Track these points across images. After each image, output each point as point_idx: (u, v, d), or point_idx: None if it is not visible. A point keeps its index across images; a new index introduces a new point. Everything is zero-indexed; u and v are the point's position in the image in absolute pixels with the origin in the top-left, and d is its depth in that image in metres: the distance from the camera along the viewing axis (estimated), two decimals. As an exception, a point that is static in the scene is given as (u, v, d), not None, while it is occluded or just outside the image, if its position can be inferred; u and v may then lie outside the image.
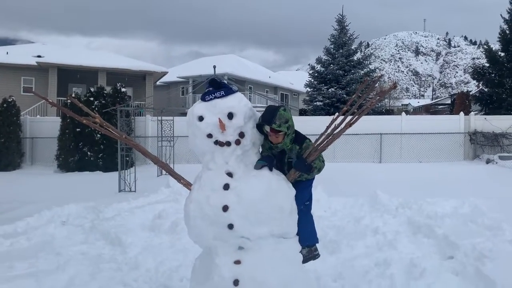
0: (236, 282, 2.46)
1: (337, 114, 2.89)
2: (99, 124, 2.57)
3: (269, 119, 2.70)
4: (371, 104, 2.64)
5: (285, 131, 2.73)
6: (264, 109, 2.80)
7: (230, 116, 2.57)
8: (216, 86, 2.60)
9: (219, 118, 2.52)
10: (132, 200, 8.17)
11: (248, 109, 2.68)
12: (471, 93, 33.25)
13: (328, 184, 8.56)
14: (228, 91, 2.59)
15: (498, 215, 6.06)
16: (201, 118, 2.57)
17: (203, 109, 2.58)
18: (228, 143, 2.60)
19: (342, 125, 2.73)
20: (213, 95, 2.57)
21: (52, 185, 11.91)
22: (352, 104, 2.81)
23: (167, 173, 2.83)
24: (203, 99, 2.60)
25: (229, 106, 2.57)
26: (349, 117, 2.70)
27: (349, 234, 5.62)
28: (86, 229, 6.20)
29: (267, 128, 2.74)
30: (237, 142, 2.62)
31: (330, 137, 2.75)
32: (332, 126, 2.76)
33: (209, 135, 2.57)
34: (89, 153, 15.20)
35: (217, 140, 2.59)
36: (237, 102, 2.62)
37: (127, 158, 11.01)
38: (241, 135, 2.63)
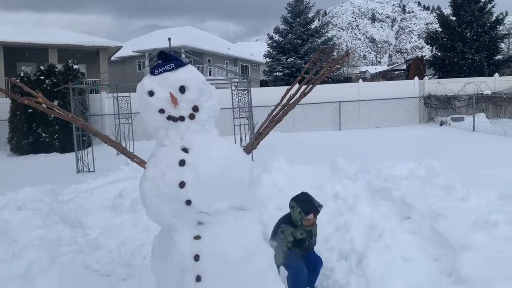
0: (196, 258, 2.44)
1: (292, 84, 2.87)
2: (43, 104, 2.42)
3: (314, 206, 3.45)
4: (324, 73, 2.62)
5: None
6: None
7: (182, 89, 2.48)
8: (165, 59, 2.49)
9: (170, 93, 2.43)
10: (91, 180, 7.96)
11: (201, 82, 2.59)
12: (425, 58, 34.15)
13: (290, 153, 8.65)
14: (179, 64, 2.49)
15: (452, 175, 6.33)
16: (151, 93, 2.47)
17: (153, 84, 2.47)
18: (181, 118, 2.51)
19: (297, 95, 2.71)
20: (162, 68, 2.46)
21: (5, 170, 11.43)
22: (307, 73, 2.79)
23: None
24: (152, 73, 2.49)
25: (181, 79, 2.47)
26: (303, 87, 2.68)
27: (311, 201, 5.71)
28: (43, 213, 5.99)
29: (310, 217, 3.36)
30: (191, 117, 2.54)
31: (286, 107, 2.73)
32: (288, 96, 2.73)
33: (161, 111, 2.48)
34: (43, 134, 14.62)
35: (170, 116, 2.49)
36: (189, 74, 2.52)
37: (84, 138, 10.65)
38: (195, 109, 2.55)
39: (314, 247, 3.64)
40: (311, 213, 3.41)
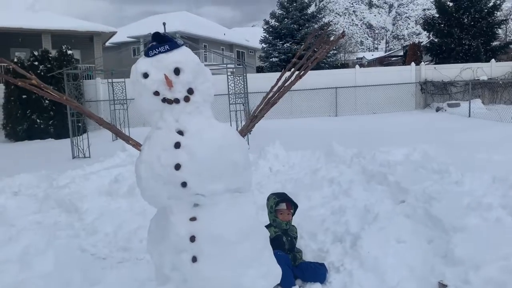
0: (192, 239, 2.46)
1: (287, 67, 2.86)
2: (36, 85, 2.41)
3: (289, 197, 3.61)
4: (319, 55, 2.61)
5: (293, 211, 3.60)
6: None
7: (177, 71, 2.46)
8: (160, 40, 2.47)
9: (165, 74, 2.42)
10: (86, 166, 7.94)
11: (196, 64, 2.57)
12: (422, 44, 34.05)
13: (286, 139, 8.67)
14: (173, 45, 2.47)
15: (446, 159, 6.37)
16: (145, 75, 2.45)
17: (148, 65, 2.45)
18: (176, 100, 2.51)
19: (292, 77, 2.70)
20: (157, 50, 2.44)
21: (0, 156, 11.39)
22: (301, 57, 2.78)
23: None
24: (147, 54, 2.47)
25: (175, 60, 2.45)
26: (297, 71, 2.68)
27: (306, 186, 5.76)
28: (39, 199, 6.00)
29: (283, 206, 3.49)
30: (186, 99, 2.53)
31: (281, 89, 2.72)
32: (283, 79, 2.73)
33: (156, 93, 2.46)
34: (38, 120, 14.56)
35: (165, 98, 2.48)
36: (184, 56, 2.50)
37: (79, 124, 10.61)
38: (190, 91, 2.54)
39: (305, 258, 3.57)
40: (284, 203, 3.56)
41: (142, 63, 2.49)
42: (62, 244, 4.03)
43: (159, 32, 2.55)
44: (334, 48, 29.18)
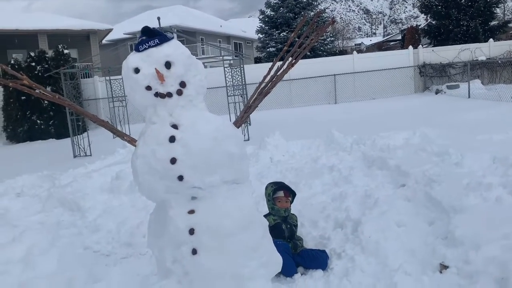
0: (191, 231, 2.47)
1: (278, 55, 2.84)
2: (28, 86, 2.41)
3: (286, 185, 3.62)
4: (311, 42, 2.60)
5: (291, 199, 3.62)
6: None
7: (168, 65, 2.46)
8: (149, 35, 2.46)
9: (155, 69, 2.41)
10: (88, 164, 7.97)
11: (187, 56, 2.56)
12: (420, 27, 33.79)
13: (286, 129, 8.67)
14: (163, 39, 2.46)
15: (446, 141, 6.35)
16: (137, 70, 2.45)
17: (138, 60, 2.45)
18: (169, 94, 2.50)
19: (285, 66, 2.69)
20: (147, 44, 2.44)
21: (2, 158, 11.45)
22: (293, 44, 2.77)
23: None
24: (137, 49, 2.47)
25: (166, 54, 2.45)
26: (290, 58, 2.67)
27: (307, 174, 5.76)
28: (42, 199, 6.01)
29: (280, 193, 3.51)
30: (179, 93, 2.53)
31: (274, 79, 2.72)
32: (275, 68, 2.72)
33: (148, 88, 2.46)
34: (38, 121, 14.58)
35: (157, 92, 2.48)
36: (174, 49, 2.50)
37: (79, 123, 10.61)
38: (183, 84, 2.53)
39: (306, 246, 3.57)
40: (282, 191, 3.58)
41: (133, 58, 2.48)
42: (65, 243, 4.05)
43: (149, 26, 2.54)
44: (331, 35, 29.03)
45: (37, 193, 6.34)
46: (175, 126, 2.53)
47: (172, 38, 2.53)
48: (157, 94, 2.49)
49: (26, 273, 3.24)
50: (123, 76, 2.56)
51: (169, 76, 2.48)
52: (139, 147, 2.57)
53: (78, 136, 10.41)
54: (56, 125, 14.64)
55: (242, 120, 2.75)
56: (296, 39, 2.82)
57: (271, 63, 2.77)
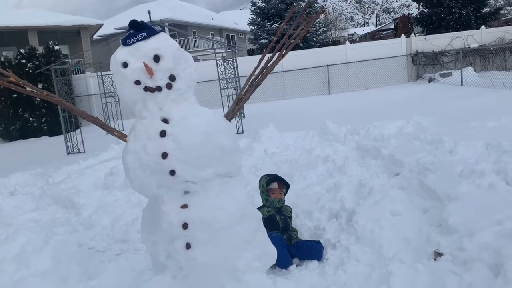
0: (185, 226, 2.46)
1: (268, 47, 2.82)
2: (15, 83, 2.37)
3: (279, 177, 3.68)
4: (301, 32, 2.58)
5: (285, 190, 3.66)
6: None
7: (156, 58, 2.43)
8: (137, 28, 2.43)
9: (144, 62, 2.38)
10: (82, 161, 7.92)
11: (176, 49, 2.53)
12: (412, 15, 33.72)
13: (280, 121, 8.65)
14: (151, 32, 2.43)
15: (439, 130, 6.36)
16: (125, 65, 2.42)
17: (126, 54, 2.42)
18: (159, 88, 2.47)
19: (275, 57, 2.67)
20: (134, 38, 2.41)
21: (-5, 157, 11.35)
22: (283, 35, 2.74)
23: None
24: (125, 43, 2.44)
25: (154, 48, 2.42)
26: (280, 49, 2.64)
27: (301, 165, 5.75)
28: (36, 196, 5.97)
29: (274, 185, 3.53)
30: (169, 86, 2.50)
31: (264, 70, 2.69)
32: (265, 60, 2.69)
33: (137, 82, 2.43)
34: (31, 119, 14.47)
35: (146, 87, 2.45)
36: (162, 43, 2.47)
37: (71, 120, 10.54)
38: (172, 78, 2.51)
39: (301, 237, 3.57)
40: (275, 182, 3.60)
41: (121, 53, 2.45)
42: (60, 240, 4.02)
43: (136, 19, 2.50)
44: (324, 25, 28.93)
45: (30, 191, 6.30)
46: (165, 121, 2.51)
47: (160, 31, 2.50)
48: (146, 89, 2.46)
49: (20, 271, 3.22)
50: (112, 71, 2.53)
51: (158, 69, 2.45)
52: (130, 142, 2.54)
53: (71, 133, 10.34)
54: (49, 122, 14.54)
55: (233, 113, 2.73)
56: (287, 29, 2.79)
57: (263, 62, 2.74)
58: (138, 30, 2.42)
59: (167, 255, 2.53)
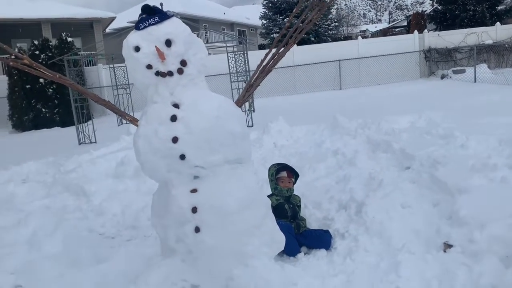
0: (194, 210, 2.47)
1: (280, 33, 2.81)
2: (28, 65, 2.40)
3: (289, 166, 3.70)
4: (313, 18, 2.56)
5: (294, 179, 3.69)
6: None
7: (168, 43, 2.44)
8: (149, 13, 2.44)
9: (156, 46, 2.39)
10: (93, 151, 7.96)
11: (188, 34, 2.54)
12: (425, 12, 33.32)
13: (290, 115, 8.63)
14: (163, 17, 2.44)
15: (451, 125, 6.29)
16: (137, 49, 2.43)
17: (138, 39, 2.43)
18: (170, 73, 2.49)
19: (287, 43, 2.66)
20: (147, 22, 2.41)
21: (8, 146, 11.52)
22: (291, 27, 2.73)
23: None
24: (137, 27, 2.44)
25: (166, 32, 2.42)
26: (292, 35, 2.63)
27: (311, 158, 5.74)
28: (47, 184, 6.05)
29: (283, 174, 3.57)
30: (180, 71, 2.51)
31: (276, 56, 2.69)
32: (274, 50, 2.69)
33: (149, 66, 2.44)
34: (43, 109, 14.62)
35: (158, 71, 2.46)
36: (174, 27, 2.47)
37: (83, 111, 10.63)
38: (183, 63, 2.51)
39: (310, 227, 3.57)
40: (285, 171, 3.61)
41: (133, 37, 2.46)
42: (70, 225, 4.07)
43: (148, 4, 2.51)
44: (336, 20, 28.71)
45: (42, 179, 6.37)
46: (176, 105, 2.52)
47: (173, 15, 2.51)
48: (158, 73, 2.47)
49: (32, 253, 3.27)
50: (124, 55, 2.54)
51: (169, 54, 2.46)
52: (141, 126, 2.56)
53: (83, 123, 10.43)
54: (61, 113, 14.68)
55: (244, 99, 2.73)
56: (296, 16, 2.78)
57: (274, 49, 2.73)
58: (151, 15, 2.43)
59: (177, 239, 2.55)
